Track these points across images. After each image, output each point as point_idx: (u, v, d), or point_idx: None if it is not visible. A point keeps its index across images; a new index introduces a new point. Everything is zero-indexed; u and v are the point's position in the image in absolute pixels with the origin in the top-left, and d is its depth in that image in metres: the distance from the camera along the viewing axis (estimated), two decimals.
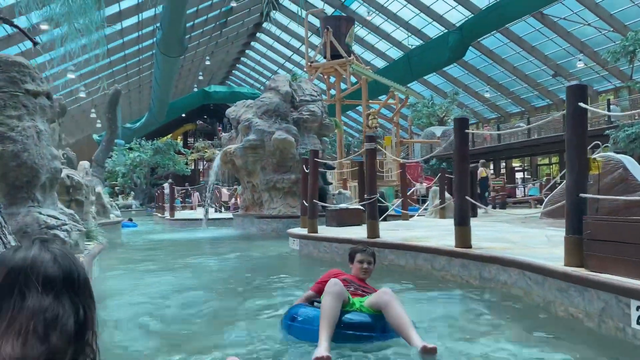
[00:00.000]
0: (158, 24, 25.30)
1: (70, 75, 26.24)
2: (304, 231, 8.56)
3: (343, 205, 9.48)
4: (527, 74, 31.02)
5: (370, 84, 24.83)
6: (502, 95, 34.57)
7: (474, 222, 5.89)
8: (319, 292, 3.61)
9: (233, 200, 23.84)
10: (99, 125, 38.12)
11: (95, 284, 2.77)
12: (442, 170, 12.43)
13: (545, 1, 22.23)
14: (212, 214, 20.16)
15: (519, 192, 26.28)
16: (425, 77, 35.33)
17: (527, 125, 26.95)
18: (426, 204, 14.45)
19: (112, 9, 24.03)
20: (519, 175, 33.81)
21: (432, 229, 8.24)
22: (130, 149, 39.14)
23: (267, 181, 13.40)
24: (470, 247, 5.31)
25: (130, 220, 23.14)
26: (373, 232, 6.81)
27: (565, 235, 3.86)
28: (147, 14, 26.41)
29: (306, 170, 8.82)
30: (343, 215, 9.31)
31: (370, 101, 25.35)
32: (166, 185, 25.31)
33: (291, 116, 13.79)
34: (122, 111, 48.75)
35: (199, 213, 23.45)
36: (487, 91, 33.26)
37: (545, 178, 23.57)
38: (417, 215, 13.20)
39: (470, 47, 28.22)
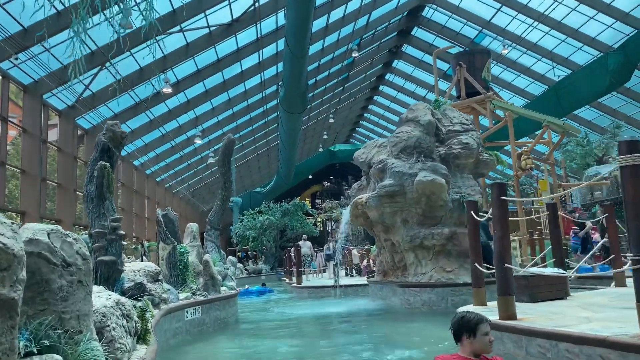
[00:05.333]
0: (280, 82, 24.71)
1: (197, 140, 26.39)
2: (489, 313, 5.66)
3: (535, 270, 6.43)
4: None
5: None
6: None
7: None
8: None
9: (365, 262, 21.25)
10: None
11: None
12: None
13: None
14: (343, 279, 17.78)
15: None
16: (576, 112, 30.62)
17: None
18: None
19: (235, 70, 23.87)
20: None
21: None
22: (260, 212, 38.92)
23: (411, 238, 10.61)
24: None
25: (264, 285, 21.64)
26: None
27: None
28: (270, 72, 26.02)
29: (478, 218, 6.03)
30: (538, 285, 6.26)
31: (517, 141, 21.78)
32: (301, 243, 23.57)
33: (437, 152, 11.08)
34: (251, 177, 50.13)
35: (324, 278, 21.24)
36: None
37: None
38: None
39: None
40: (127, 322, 3.87)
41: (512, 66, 30.01)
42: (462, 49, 26.66)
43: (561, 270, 6.90)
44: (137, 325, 4.09)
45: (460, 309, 6.27)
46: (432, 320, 8.44)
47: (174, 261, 9.58)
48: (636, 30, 22.40)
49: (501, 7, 25.40)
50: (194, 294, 9.51)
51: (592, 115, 31.48)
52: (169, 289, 8.33)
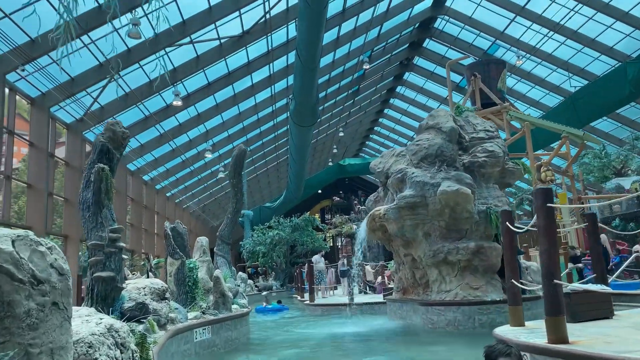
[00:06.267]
0: (291, 95, 24.37)
1: (208, 154, 26.04)
2: (530, 336, 5.06)
3: (577, 286, 5.82)
4: None
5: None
6: None
7: None
8: None
9: (379, 279, 20.59)
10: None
11: None
12: None
13: None
14: (357, 296, 17.13)
15: None
16: (592, 124, 29.92)
17: None
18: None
19: (245, 83, 23.56)
20: None
21: None
22: (270, 227, 38.40)
23: (433, 252, 9.98)
24: None
25: (280, 302, 20.98)
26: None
27: None
28: (280, 85, 25.69)
29: (514, 229, 5.44)
30: (582, 303, 5.64)
31: (535, 153, 21.16)
32: (316, 258, 22.76)
33: (460, 161, 10.50)
34: (261, 192, 49.76)
35: (337, 295, 20.60)
36: None
37: None
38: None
39: None
40: (122, 353, 3.27)
41: (527, 77, 29.47)
42: (475, 60, 26.20)
43: (605, 287, 6.29)
44: (134, 355, 3.50)
45: (497, 331, 5.66)
46: (459, 341, 7.82)
47: (182, 277, 9.06)
48: None
49: (515, 17, 24.96)
50: (203, 312, 8.96)
51: (610, 127, 30.76)
52: (176, 308, 7.79)
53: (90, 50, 16.13)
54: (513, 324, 5.79)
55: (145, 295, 6.19)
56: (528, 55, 27.03)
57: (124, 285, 5.55)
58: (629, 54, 23.78)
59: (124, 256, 5.52)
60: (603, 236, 18.14)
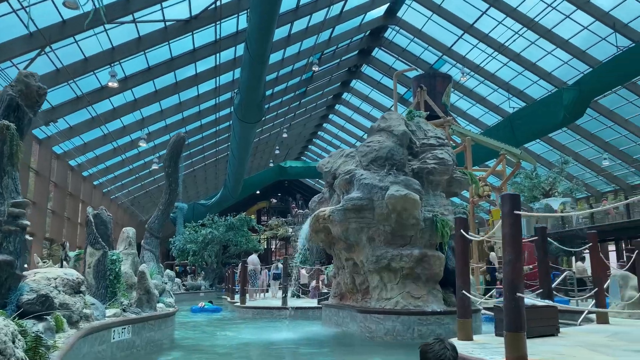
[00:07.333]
0: (236, 90, 23.58)
1: (142, 144, 24.72)
2: (483, 352, 4.74)
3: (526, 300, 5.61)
4: None
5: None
6: (622, 164, 29.53)
7: None
8: None
9: (314, 283, 20.18)
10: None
11: None
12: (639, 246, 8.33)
13: None
14: (291, 300, 16.62)
15: None
16: (526, 145, 31.14)
17: None
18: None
19: (188, 71, 22.53)
20: None
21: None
22: (203, 225, 37.14)
23: (377, 258, 9.63)
24: None
25: (211, 302, 20.29)
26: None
27: None
28: (226, 78, 24.82)
29: (470, 237, 5.14)
30: (530, 319, 5.41)
31: (474, 168, 21.55)
32: (251, 259, 22.15)
33: (409, 166, 10.24)
34: (196, 188, 48.18)
35: (268, 298, 20.06)
36: (605, 159, 28.41)
37: None
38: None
39: None
40: None
41: (469, 95, 30.23)
42: (422, 73, 26.50)
43: (551, 302, 6.15)
44: None
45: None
46: (398, 352, 7.48)
47: (103, 270, 8.17)
48: (591, 69, 22.90)
49: (463, 34, 25.49)
50: (124, 310, 8.13)
51: (542, 150, 32.15)
52: (93, 304, 6.96)
53: (19, 17, 14.72)
54: (461, 337, 5.49)
55: (55, 287, 5.36)
56: (472, 73, 27.70)
57: (22, 273, 4.66)
58: (565, 80, 24.86)
59: (27, 237, 4.66)
60: (492, 254, 18.78)
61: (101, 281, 8.24)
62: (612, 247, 29.10)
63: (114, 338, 7.38)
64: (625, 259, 21.61)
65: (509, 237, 4.19)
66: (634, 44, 20.32)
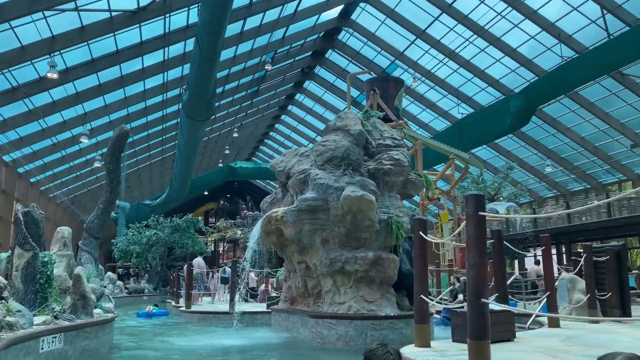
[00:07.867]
0: (185, 86, 22.78)
1: (84, 140, 23.55)
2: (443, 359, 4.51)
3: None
4: (596, 145, 27.33)
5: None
6: (564, 171, 30.72)
7: None
8: None
9: (262, 286, 19.72)
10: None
11: None
12: (588, 249, 8.44)
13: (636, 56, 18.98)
14: (239, 304, 16.09)
15: None
16: (473, 151, 31.89)
17: (604, 201, 22.90)
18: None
19: (135, 65, 21.57)
20: None
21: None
22: (147, 226, 35.76)
23: (330, 261, 9.33)
24: None
25: (157, 305, 19.49)
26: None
27: None
28: (174, 73, 23.96)
29: (429, 239, 4.92)
30: None
31: (425, 171, 21.75)
32: (197, 262, 21.45)
33: (365, 167, 10.01)
34: (141, 188, 46.47)
35: (217, 303, 19.43)
36: (548, 165, 29.45)
37: None
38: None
39: None
40: None
41: (419, 100, 30.63)
42: (375, 76, 26.59)
43: (506, 306, 6.04)
44: None
45: (405, 352, 5.06)
46: (351, 359, 7.20)
47: (32, 273, 7.47)
48: (537, 77, 23.63)
49: (415, 39, 25.75)
50: (56, 317, 7.46)
51: (488, 155, 32.98)
52: (19, 311, 6.30)
53: None
54: (419, 344, 5.27)
55: None
56: (423, 78, 28.04)
57: None
58: (512, 88, 25.56)
59: None
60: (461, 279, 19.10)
61: (30, 285, 7.52)
62: (553, 250, 30.24)
63: (42, 348, 6.73)
64: (566, 262, 22.46)
65: (473, 239, 4.00)
66: (577, 55, 21.10)
